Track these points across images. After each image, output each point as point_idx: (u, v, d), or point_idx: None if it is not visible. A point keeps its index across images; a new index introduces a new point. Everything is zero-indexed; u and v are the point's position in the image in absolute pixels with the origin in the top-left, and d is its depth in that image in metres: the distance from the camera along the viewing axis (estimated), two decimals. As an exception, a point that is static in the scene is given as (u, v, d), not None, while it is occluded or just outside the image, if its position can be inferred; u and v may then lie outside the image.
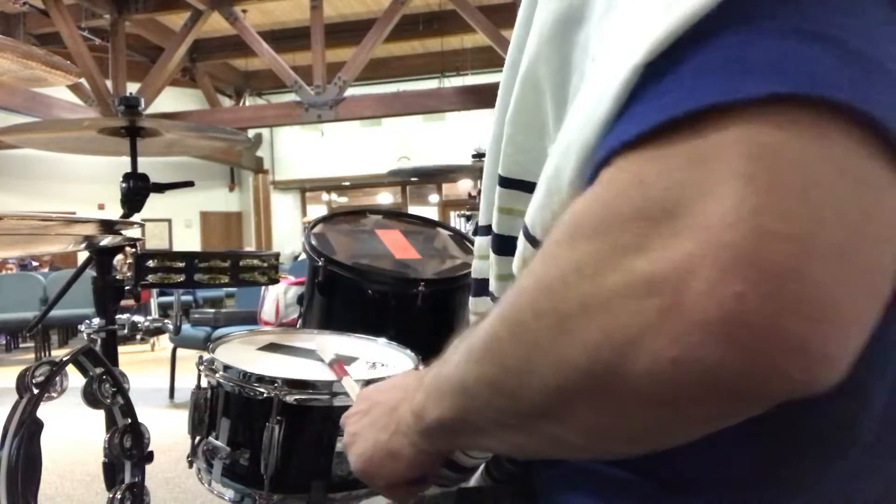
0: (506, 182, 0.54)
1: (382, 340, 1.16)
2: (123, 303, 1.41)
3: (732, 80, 0.29)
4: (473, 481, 0.65)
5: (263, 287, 3.77)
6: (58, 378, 1.08)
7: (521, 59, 0.48)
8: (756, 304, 0.25)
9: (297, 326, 1.76)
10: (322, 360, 1.00)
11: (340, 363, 0.89)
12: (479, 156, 3.01)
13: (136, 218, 1.48)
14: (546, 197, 0.42)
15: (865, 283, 0.28)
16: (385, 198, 13.06)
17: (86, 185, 10.30)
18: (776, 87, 0.28)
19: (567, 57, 0.42)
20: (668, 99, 0.30)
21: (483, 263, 0.63)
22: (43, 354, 5.95)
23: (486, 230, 0.59)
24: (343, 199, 13.36)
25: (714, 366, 0.26)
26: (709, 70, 0.30)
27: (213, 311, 4.37)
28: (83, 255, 1.49)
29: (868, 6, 0.32)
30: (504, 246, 0.55)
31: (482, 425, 0.40)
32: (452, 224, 3.94)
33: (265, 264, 1.45)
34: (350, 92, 7.71)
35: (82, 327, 1.35)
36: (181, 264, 1.34)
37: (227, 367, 0.98)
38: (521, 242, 0.47)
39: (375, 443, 0.49)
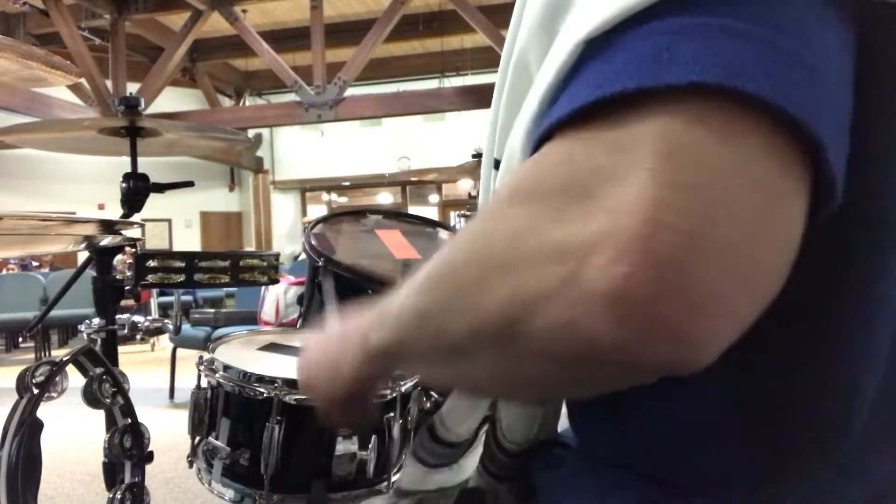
0: (500, 165, 0.54)
1: (382, 340, 1.16)
2: (123, 303, 1.41)
3: (657, 67, 0.30)
4: (470, 478, 0.65)
5: (263, 287, 3.77)
6: (58, 378, 1.08)
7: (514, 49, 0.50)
8: (639, 286, 0.27)
9: (297, 326, 1.76)
10: None
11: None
12: (479, 156, 3.02)
13: (136, 218, 1.48)
14: (507, 166, 0.44)
15: (749, 282, 0.29)
16: (385, 198, 13.06)
17: (86, 185, 10.30)
18: (696, 77, 0.29)
19: (552, 44, 0.43)
20: (599, 80, 0.32)
21: None
22: (43, 354, 5.95)
23: None
24: (343, 199, 13.36)
25: (596, 335, 0.28)
26: (639, 55, 0.31)
27: (213, 311, 4.37)
28: (83, 255, 1.49)
29: (801, 5, 0.32)
30: None
31: (414, 354, 0.42)
32: (452, 224, 3.94)
33: (265, 264, 1.45)
34: (350, 92, 7.71)
35: (82, 327, 1.35)
36: (181, 264, 1.34)
37: (227, 367, 0.98)
38: None
39: (322, 354, 0.51)
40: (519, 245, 0.31)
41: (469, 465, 0.65)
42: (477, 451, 0.64)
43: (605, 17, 0.33)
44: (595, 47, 0.33)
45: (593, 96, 0.31)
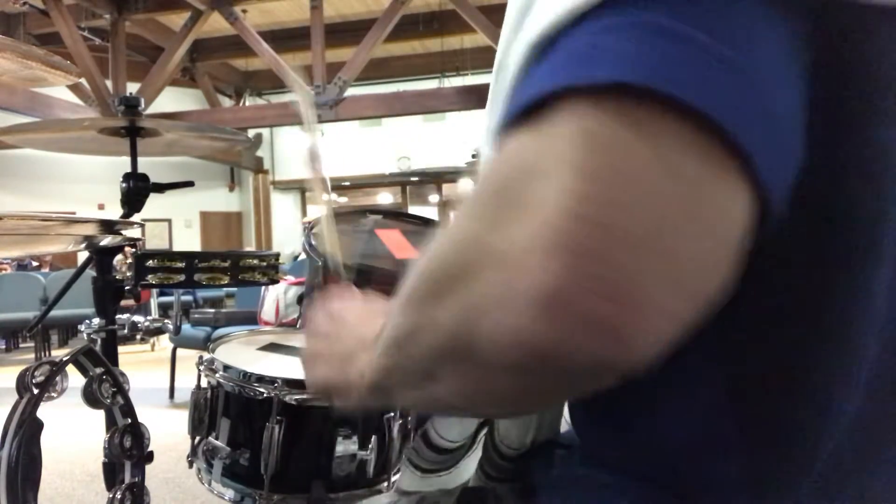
0: None
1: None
2: (123, 303, 1.41)
3: (584, 66, 0.30)
4: (471, 479, 0.65)
5: (263, 287, 3.77)
6: (58, 378, 1.08)
7: None
8: (565, 282, 0.27)
9: (297, 326, 1.76)
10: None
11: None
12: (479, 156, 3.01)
13: (136, 218, 1.48)
14: None
15: (673, 276, 0.28)
16: (385, 198, 13.06)
17: (86, 185, 10.30)
18: (618, 76, 0.29)
19: None
20: (535, 82, 0.32)
21: None
22: (43, 354, 5.95)
23: None
24: (343, 200, 13.36)
25: (536, 337, 0.28)
26: (570, 56, 0.31)
27: (213, 311, 4.37)
28: (83, 255, 1.49)
29: (740, 7, 0.32)
30: None
31: (397, 384, 0.42)
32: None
33: (265, 264, 1.45)
34: (350, 92, 7.71)
35: (82, 327, 1.35)
36: (181, 264, 1.34)
37: (227, 367, 0.98)
38: None
39: (329, 379, 0.51)
40: (465, 256, 0.32)
41: (469, 468, 0.65)
42: (476, 454, 0.64)
43: (549, 20, 0.33)
44: (541, 50, 0.34)
45: (526, 98, 0.31)
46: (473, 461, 0.64)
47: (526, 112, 0.31)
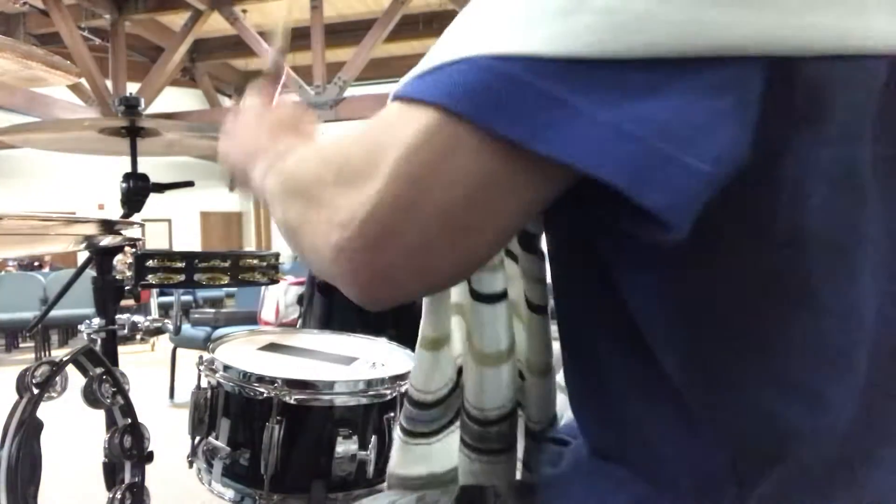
0: None
1: (382, 340, 1.16)
2: (123, 303, 1.40)
3: (433, 88, 0.39)
4: (458, 469, 0.66)
5: (263, 287, 3.77)
6: (58, 378, 1.08)
7: None
8: (349, 249, 0.40)
9: (297, 326, 1.76)
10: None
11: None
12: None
13: (136, 218, 1.48)
14: None
15: (419, 275, 0.41)
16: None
17: (86, 185, 10.30)
18: (435, 99, 0.38)
19: None
20: (426, 83, 0.40)
21: None
22: (43, 354, 5.95)
23: None
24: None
25: (323, 258, 0.42)
26: (431, 77, 0.40)
27: (213, 311, 4.37)
28: (83, 255, 1.49)
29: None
30: None
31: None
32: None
33: (265, 264, 1.45)
34: (350, 92, 7.71)
35: (82, 327, 1.35)
36: (181, 264, 1.34)
37: (227, 367, 0.98)
38: None
39: (237, 163, 0.63)
40: (313, 185, 0.45)
41: (450, 450, 0.65)
42: (456, 433, 0.65)
43: (452, 54, 0.40)
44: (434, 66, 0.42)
45: (413, 91, 0.41)
46: (454, 440, 0.65)
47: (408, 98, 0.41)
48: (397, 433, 0.68)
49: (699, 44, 0.34)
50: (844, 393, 0.40)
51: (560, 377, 0.61)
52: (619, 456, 0.50)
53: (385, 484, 1.00)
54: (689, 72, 0.34)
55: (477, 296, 0.58)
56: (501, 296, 0.58)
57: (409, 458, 0.66)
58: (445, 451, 0.67)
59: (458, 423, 0.66)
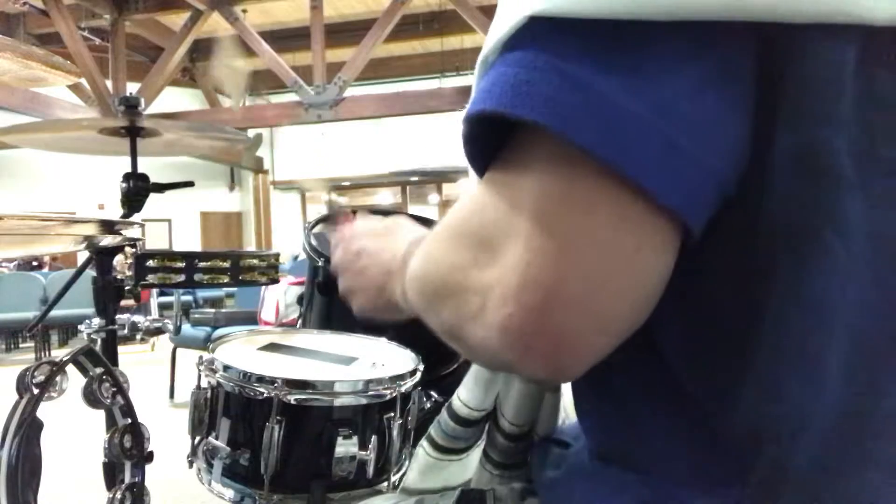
0: None
1: (382, 340, 1.16)
2: (123, 303, 1.40)
3: (513, 96, 0.37)
4: (472, 478, 0.66)
5: (263, 287, 3.77)
6: (58, 378, 1.08)
7: None
8: (516, 324, 0.37)
9: (297, 326, 1.76)
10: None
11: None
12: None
13: (136, 218, 1.48)
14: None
15: (600, 324, 0.38)
16: (385, 198, 13.06)
17: (86, 185, 10.30)
18: (545, 120, 0.35)
19: None
20: (475, 97, 0.39)
21: None
22: (43, 354, 5.95)
23: None
24: (343, 200, 13.36)
25: (498, 350, 0.39)
26: (499, 81, 0.38)
27: (213, 311, 4.37)
28: (83, 255, 1.49)
29: (651, 50, 0.36)
30: None
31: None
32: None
33: (265, 264, 1.45)
34: (350, 92, 7.71)
35: (82, 327, 1.35)
36: (181, 264, 1.34)
37: (227, 367, 0.98)
38: None
39: (370, 302, 0.65)
40: (454, 276, 0.42)
41: (473, 461, 0.65)
42: (481, 446, 0.65)
43: (495, 39, 0.39)
44: (485, 66, 0.41)
45: (470, 111, 0.39)
46: (478, 453, 0.65)
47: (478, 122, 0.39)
48: (425, 450, 0.67)
49: (688, 4, 0.35)
50: (828, 391, 0.40)
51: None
52: (622, 458, 0.50)
53: (385, 485, 1.00)
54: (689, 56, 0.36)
55: None
56: None
57: (431, 473, 0.66)
58: (463, 466, 0.66)
59: (481, 441, 0.65)
